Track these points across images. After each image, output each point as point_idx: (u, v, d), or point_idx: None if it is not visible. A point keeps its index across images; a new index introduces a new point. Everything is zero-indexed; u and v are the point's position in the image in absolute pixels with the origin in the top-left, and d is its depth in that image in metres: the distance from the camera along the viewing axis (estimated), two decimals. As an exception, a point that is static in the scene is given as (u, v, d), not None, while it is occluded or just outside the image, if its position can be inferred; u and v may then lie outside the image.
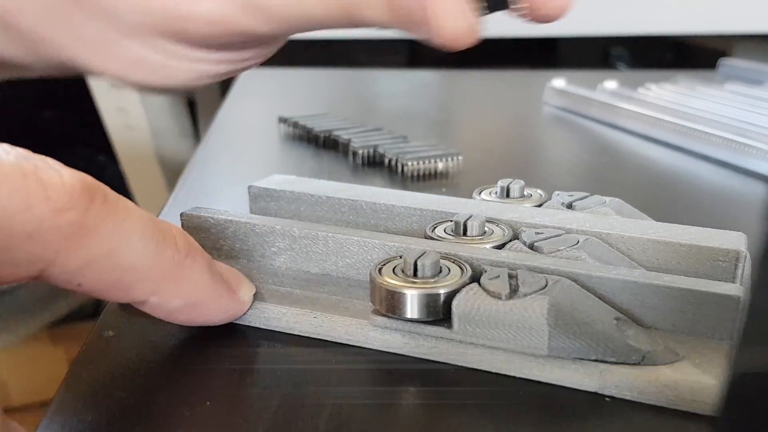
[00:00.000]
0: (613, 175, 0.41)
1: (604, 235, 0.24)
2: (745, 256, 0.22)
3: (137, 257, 0.18)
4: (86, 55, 0.25)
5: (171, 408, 0.18)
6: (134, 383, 0.20)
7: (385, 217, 0.27)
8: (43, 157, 0.17)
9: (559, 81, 0.57)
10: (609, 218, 0.26)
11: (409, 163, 0.38)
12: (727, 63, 0.65)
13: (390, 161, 0.40)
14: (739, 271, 0.22)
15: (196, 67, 0.25)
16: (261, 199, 0.30)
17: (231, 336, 0.22)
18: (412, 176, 0.38)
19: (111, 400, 0.19)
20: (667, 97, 0.54)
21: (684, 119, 0.46)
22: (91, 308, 0.92)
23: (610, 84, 0.56)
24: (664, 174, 0.42)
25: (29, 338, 0.86)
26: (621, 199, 0.28)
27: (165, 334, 0.22)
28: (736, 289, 0.19)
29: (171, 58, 0.25)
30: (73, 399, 0.19)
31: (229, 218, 0.25)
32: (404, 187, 0.37)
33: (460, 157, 0.39)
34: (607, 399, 0.19)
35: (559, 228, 0.24)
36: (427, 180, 0.38)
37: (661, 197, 0.37)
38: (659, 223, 0.25)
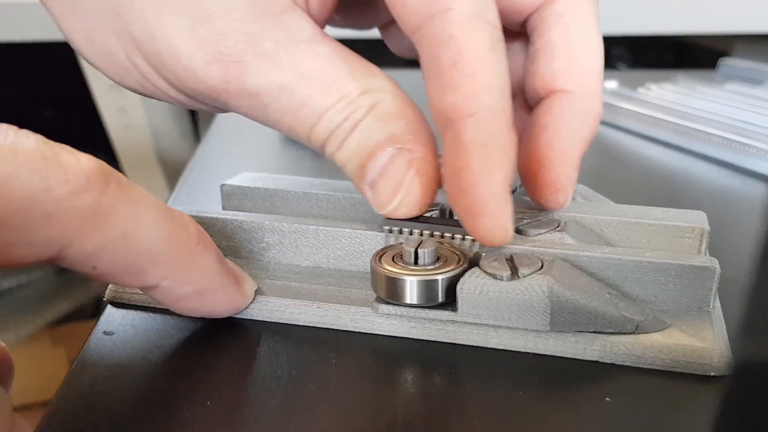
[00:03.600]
0: (613, 174, 0.41)
1: (579, 218, 0.25)
2: (709, 232, 0.24)
3: (151, 241, 0.18)
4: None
5: (171, 408, 0.18)
6: (134, 383, 0.20)
7: (364, 210, 0.27)
8: (60, 144, 0.17)
9: (559, 81, 0.57)
10: (581, 203, 0.27)
11: None
12: (727, 63, 0.65)
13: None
14: (703, 246, 0.24)
15: (158, 93, 0.23)
16: (234, 198, 0.29)
17: (231, 335, 0.22)
18: None
19: (111, 400, 0.19)
20: (667, 97, 0.54)
21: (684, 119, 0.46)
22: (91, 308, 0.92)
23: (610, 84, 0.56)
24: (664, 174, 0.42)
25: (29, 338, 0.86)
26: (618, 201, 0.29)
27: (165, 334, 0.22)
28: (711, 260, 0.21)
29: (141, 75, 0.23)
30: (73, 399, 0.19)
31: (214, 215, 0.26)
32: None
33: None
34: (608, 366, 0.20)
35: (539, 212, 0.26)
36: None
37: (661, 197, 0.37)
38: (627, 205, 0.27)
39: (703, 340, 0.20)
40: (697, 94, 0.54)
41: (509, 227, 0.21)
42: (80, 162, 0.17)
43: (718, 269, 0.21)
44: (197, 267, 0.20)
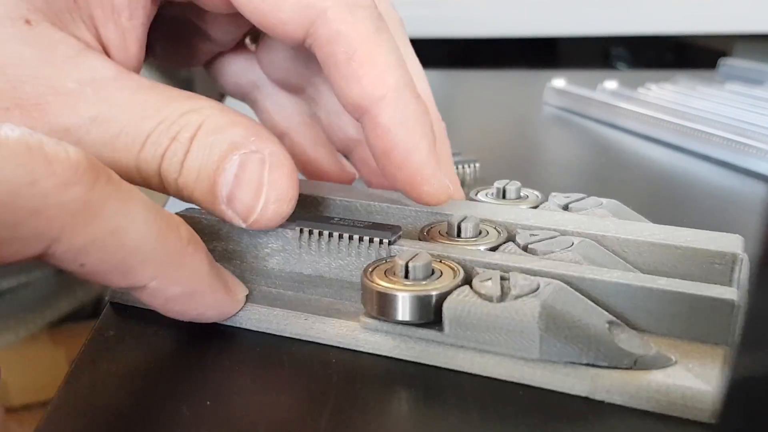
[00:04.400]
0: (613, 175, 0.41)
1: (599, 237, 0.24)
2: (742, 259, 0.22)
3: (141, 239, 0.18)
4: None
5: (171, 408, 0.18)
6: (134, 383, 0.20)
7: (381, 218, 0.27)
8: (48, 135, 0.17)
9: (559, 81, 0.57)
10: (605, 220, 0.25)
11: None
12: (727, 63, 0.65)
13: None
14: (736, 274, 0.22)
15: None
16: None
17: (231, 336, 0.22)
18: None
19: (111, 399, 0.19)
20: (667, 97, 0.54)
21: (684, 119, 0.46)
22: (91, 308, 0.92)
23: (610, 84, 0.56)
24: (664, 174, 0.42)
25: (29, 338, 0.86)
26: (618, 201, 0.28)
27: (165, 335, 0.22)
28: (730, 292, 0.19)
29: None
30: (73, 399, 0.19)
31: None
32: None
33: (478, 164, 0.39)
34: (597, 404, 0.18)
35: (554, 230, 0.24)
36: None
37: (661, 197, 0.37)
38: (656, 225, 0.25)
39: (709, 383, 0.18)
40: (697, 94, 0.54)
41: (447, 184, 0.23)
42: (68, 154, 0.16)
43: (738, 302, 0.19)
44: (187, 268, 0.20)
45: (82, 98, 0.21)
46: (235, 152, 0.21)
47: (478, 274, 0.20)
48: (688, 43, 0.96)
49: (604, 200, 0.27)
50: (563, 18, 0.80)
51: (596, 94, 0.54)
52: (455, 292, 0.20)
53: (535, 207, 0.28)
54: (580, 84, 0.57)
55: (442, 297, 0.20)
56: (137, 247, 0.18)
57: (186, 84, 0.99)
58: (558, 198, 0.28)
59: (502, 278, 0.20)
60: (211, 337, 0.22)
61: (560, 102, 0.57)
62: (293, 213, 0.27)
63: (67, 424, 0.18)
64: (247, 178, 0.21)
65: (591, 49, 0.99)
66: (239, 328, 0.22)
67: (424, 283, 0.20)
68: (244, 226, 0.22)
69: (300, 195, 0.28)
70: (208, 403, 0.19)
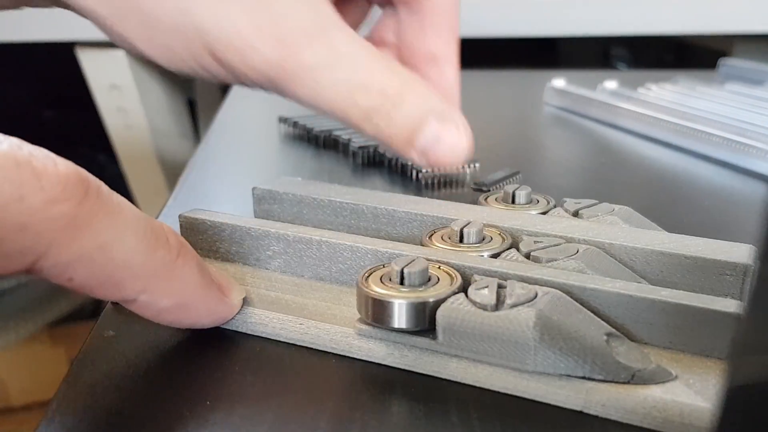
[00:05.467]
0: (613, 175, 0.41)
1: (606, 245, 0.23)
2: (754, 271, 0.21)
3: (129, 253, 0.18)
4: None
5: (171, 408, 0.18)
6: (134, 383, 0.20)
7: (386, 221, 0.27)
8: (38, 147, 0.17)
9: (559, 81, 0.57)
10: (614, 227, 0.25)
11: (424, 170, 0.37)
12: (727, 63, 0.65)
13: (391, 162, 0.40)
14: (747, 286, 0.21)
15: None
16: (265, 202, 0.29)
17: (231, 336, 0.22)
18: (426, 184, 0.37)
19: (111, 400, 0.19)
20: (667, 97, 0.54)
21: (684, 119, 0.46)
22: (91, 308, 0.92)
23: (610, 84, 0.56)
24: (663, 174, 0.42)
25: (29, 338, 0.86)
26: (618, 201, 0.28)
27: (165, 335, 0.22)
28: (735, 305, 0.19)
29: None
30: (73, 399, 0.19)
31: (225, 220, 0.25)
32: (408, 190, 0.37)
33: (477, 164, 0.39)
34: (591, 418, 0.18)
35: (560, 237, 0.24)
36: (434, 185, 0.38)
37: (661, 197, 0.37)
38: (667, 233, 0.24)
39: (709, 400, 0.17)
40: (697, 94, 0.54)
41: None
42: (57, 168, 0.16)
43: (742, 316, 0.18)
44: (176, 280, 0.19)
45: (318, 41, 0.23)
46: (432, 117, 0.24)
47: (474, 282, 0.20)
48: (688, 43, 0.96)
49: (616, 207, 0.27)
50: (563, 18, 0.80)
51: (596, 94, 0.54)
52: (449, 300, 0.19)
53: (545, 213, 0.28)
54: (580, 84, 0.57)
55: (438, 304, 0.19)
56: (126, 262, 0.18)
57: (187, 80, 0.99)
58: (569, 204, 0.28)
59: (500, 286, 0.19)
60: (211, 337, 0.22)
61: (560, 102, 0.57)
62: (301, 216, 0.27)
63: (67, 424, 0.18)
64: (440, 137, 0.24)
65: (591, 49, 0.99)
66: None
67: (420, 289, 0.20)
68: (425, 166, 0.25)
69: (305, 198, 0.28)
70: (208, 403, 0.19)
